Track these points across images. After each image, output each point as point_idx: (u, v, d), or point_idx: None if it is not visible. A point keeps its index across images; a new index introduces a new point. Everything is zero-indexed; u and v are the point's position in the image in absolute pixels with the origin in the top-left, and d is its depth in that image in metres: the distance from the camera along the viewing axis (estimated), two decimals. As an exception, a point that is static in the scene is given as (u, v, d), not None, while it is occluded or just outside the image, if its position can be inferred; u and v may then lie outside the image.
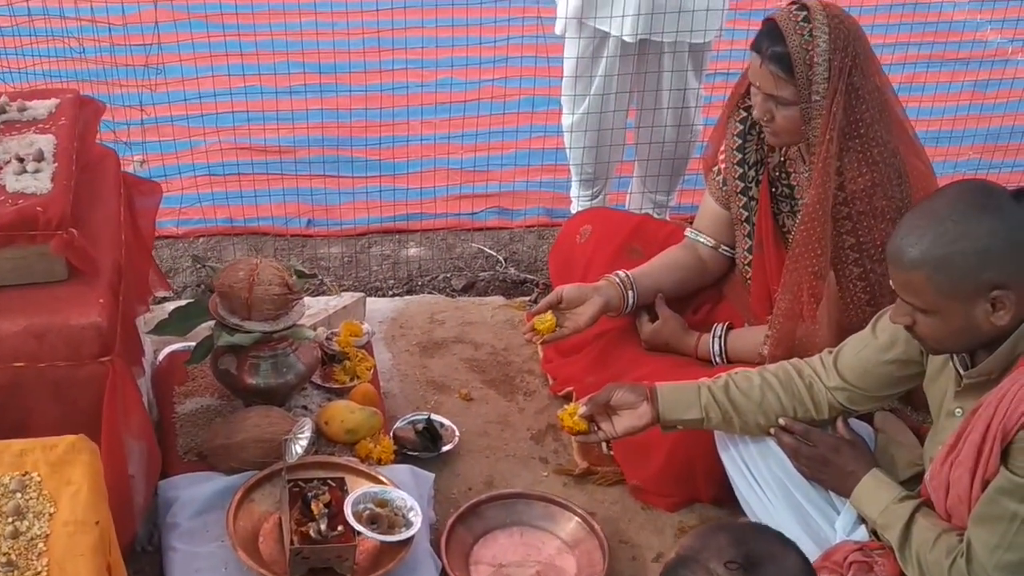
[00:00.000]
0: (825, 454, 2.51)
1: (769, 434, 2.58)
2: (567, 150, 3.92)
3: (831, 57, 2.63)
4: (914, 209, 2.22)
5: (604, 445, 2.97)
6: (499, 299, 3.71)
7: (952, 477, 2.20)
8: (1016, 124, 4.47)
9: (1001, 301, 2.10)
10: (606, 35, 3.62)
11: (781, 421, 2.55)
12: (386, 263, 3.92)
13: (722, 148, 3.00)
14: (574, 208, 3.96)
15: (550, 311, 2.97)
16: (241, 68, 3.79)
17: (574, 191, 4.00)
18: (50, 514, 2.04)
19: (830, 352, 2.58)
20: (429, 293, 3.79)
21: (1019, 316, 2.12)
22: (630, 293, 3.03)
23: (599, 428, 2.67)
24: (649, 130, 3.79)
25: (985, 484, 2.14)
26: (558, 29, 3.73)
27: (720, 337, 3.00)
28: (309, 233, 4.05)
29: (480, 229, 4.12)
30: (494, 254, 3.97)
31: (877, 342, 2.48)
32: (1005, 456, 2.10)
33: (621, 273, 3.04)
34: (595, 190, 3.94)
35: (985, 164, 4.37)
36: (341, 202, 4.08)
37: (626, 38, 3.57)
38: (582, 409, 2.66)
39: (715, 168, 3.03)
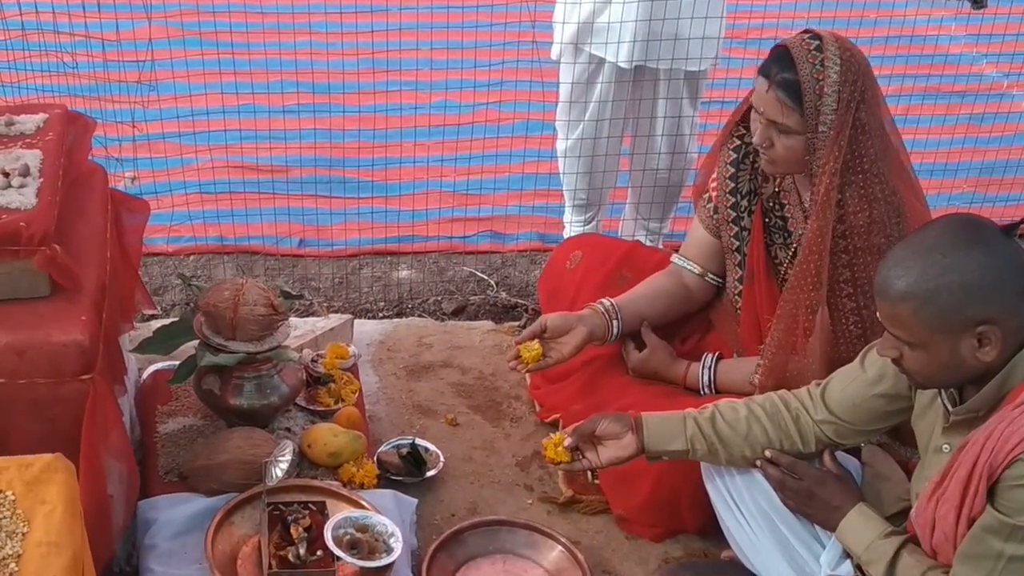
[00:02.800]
0: (811, 487, 2.49)
1: (755, 466, 2.56)
2: (561, 175, 3.91)
3: (840, 89, 2.61)
4: (903, 242, 2.20)
5: (589, 474, 2.95)
6: (488, 324, 3.69)
7: (938, 514, 2.18)
8: (1011, 158, 4.47)
9: (987, 336, 2.08)
10: (602, 61, 3.61)
11: (767, 453, 2.53)
12: (377, 285, 3.90)
13: (713, 176, 2.98)
14: (567, 233, 3.95)
15: (537, 339, 2.95)
16: (235, 86, 3.79)
17: (567, 216, 3.99)
18: (23, 534, 2.02)
19: (818, 384, 2.56)
20: (419, 316, 3.77)
21: (1006, 352, 2.10)
22: (615, 322, 3.00)
23: (584, 457, 2.65)
24: (643, 157, 3.78)
25: (971, 522, 2.12)
26: (554, 54, 3.73)
27: (710, 367, 2.99)
28: (300, 253, 4.04)
29: (472, 253, 4.10)
30: (486, 278, 3.96)
31: (865, 376, 2.46)
32: (991, 494, 2.08)
33: (606, 302, 3.02)
34: (588, 215, 3.93)
35: (980, 198, 4.36)
36: (333, 223, 4.06)
37: (622, 64, 3.57)
38: (567, 440, 2.64)
39: (705, 195, 3.02)
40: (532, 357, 2.92)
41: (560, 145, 3.85)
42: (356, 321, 3.53)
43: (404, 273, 3.98)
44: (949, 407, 2.24)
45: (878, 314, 2.20)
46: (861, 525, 2.39)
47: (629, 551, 2.89)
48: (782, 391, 2.60)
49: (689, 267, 3.08)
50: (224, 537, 2.59)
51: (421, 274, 3.96)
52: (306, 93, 4.08)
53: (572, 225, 3.95)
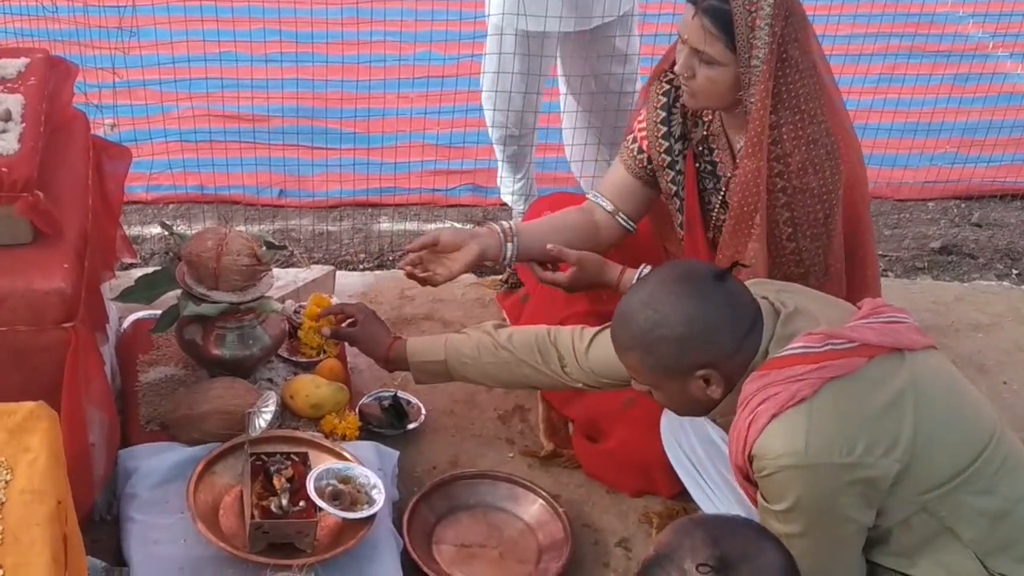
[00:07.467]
0: None
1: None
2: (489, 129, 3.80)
3: (773, 23, 2.51)
4: (627, 295, 2.28)
5: (570, 425, 2.96)
6: (470, 277, 3.66)
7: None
8: (994, 119, 4.47)
9: (709, 378, 2.18)
10: (529, 35, 3.49)
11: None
12: (357, 236, 3.89)
13: (641, 118, 2.87)
14: (503, 195, 3.87)
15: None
16: (217, 34, 3.75)
17: (503, 172, 3.90)
18: (6, 481, 2.00)
19: (582, 339, 2.64)
20: (400, 268, 3.76)
21: (732, 386, 2.20)
22: (509, 245, 2.86)
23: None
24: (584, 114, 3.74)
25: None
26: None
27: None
28: (280, 203, 4.02)
29: (453, 205, 4.10)
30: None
31: None
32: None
33: (504, 223, 2.91)
34: (520, 175, 3.84)
35: (961, 158, 4.37)
36: (314, 173, 4.04)
37: (560, 30, 3.46)
38: (324, 331, 2.85)
39: (630, 136, 2.90)
40: (322, 321, 2.94)
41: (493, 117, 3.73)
42: (338, 273, 3.51)
43: (385, 225, 3.96)
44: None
45: None
46: None
47: (608, 505, 2.90)
48: (543, 336, 2.68)
49: (602, 203, 2.94)
50: (206, 487, 2.59)
51: (402, 226, 3.95)
52: (288, 42, 4.03)
53: (505, 181, 3.88)
